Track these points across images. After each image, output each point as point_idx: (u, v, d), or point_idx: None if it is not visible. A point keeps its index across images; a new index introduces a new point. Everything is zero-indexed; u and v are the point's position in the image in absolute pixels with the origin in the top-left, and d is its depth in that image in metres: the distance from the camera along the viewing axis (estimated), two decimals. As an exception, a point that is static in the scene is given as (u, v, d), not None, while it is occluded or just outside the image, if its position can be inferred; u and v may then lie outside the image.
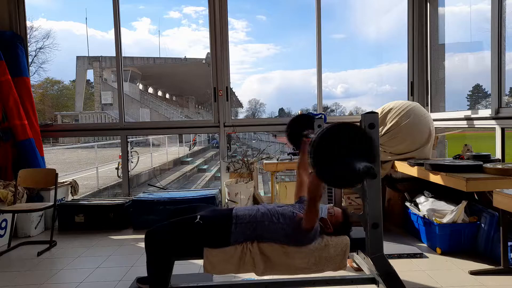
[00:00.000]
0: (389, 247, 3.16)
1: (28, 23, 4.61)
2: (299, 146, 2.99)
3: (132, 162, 10.81)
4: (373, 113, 1.76)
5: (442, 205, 3.23)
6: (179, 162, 14.54)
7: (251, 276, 2.28)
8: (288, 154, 4.38)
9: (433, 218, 3.14)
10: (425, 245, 3.30)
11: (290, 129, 2.88)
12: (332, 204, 2.43)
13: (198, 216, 2.09)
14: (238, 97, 31.28)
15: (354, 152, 1.63)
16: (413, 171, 3.31)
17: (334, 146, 1.62)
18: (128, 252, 3.42)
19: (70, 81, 30.04)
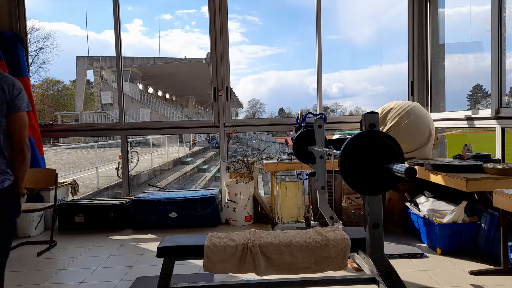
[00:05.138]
0: (389, 247, 3.16)
1: (28, 23, 4.61)
2: (306, 161, 3.11)
3: (132, 162, 10.81)
4: (373, 113, 1.77)
5: (442, 205, 3.23)
6: (179, 162, 14.54)
7: (251, 276, 2.28)
8: (288, 154, 4.37)
9: (434, 218, 3.14)
10: (425, 245, 3.30)
11: (297, 147, 3.16)
12: None
13: None
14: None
15: (382, 157, 1.65)
16: (413, 171, 3.30)
17: (360, 155, 1.66)
18: (128, 252, 3.42)
19: (70, 81, 30.05)
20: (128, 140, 5.39)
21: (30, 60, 4.68)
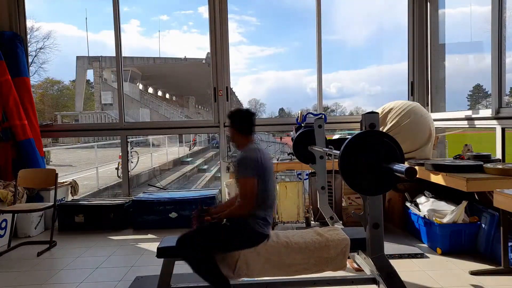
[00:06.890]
0: (389, 247, 3.15)
1: (28, 23, 4.61)
2: (307, 161, 3.12)
3: (132, 162, 10.80)
4: (373, 113, 1.76)
5: (442, 205, 3.23)
6: (179, 162, 14.53)
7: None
8: (288, 154, 4.37)
9: (434, 218, 3.13)
10: (425, 245, 3.30)
11: (297, 147, 3.21)
12: None
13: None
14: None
15: (382, 157, 1.65)
16: (413, 171, 3.30)
17: (360, 156, 1.65)
18: (128, 252, 3.42)
19: (70, 81, 30.02)
20: (128, 140, 5.39)
21: (30, 60, 4.68)
